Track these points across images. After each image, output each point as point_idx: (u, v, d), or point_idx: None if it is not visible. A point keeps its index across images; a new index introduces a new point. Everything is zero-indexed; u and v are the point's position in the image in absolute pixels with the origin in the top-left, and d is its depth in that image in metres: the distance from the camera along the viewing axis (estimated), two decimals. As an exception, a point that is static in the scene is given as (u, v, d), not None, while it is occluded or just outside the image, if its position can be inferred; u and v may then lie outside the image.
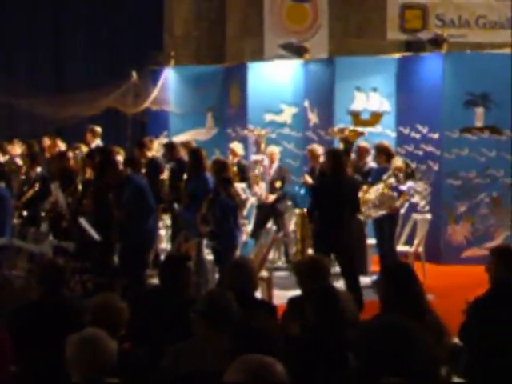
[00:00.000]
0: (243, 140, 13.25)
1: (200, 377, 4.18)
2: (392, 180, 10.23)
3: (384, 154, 10.55)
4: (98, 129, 13.69)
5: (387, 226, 10.47)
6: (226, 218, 9.48)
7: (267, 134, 12.62)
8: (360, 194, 10.31)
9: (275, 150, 11.99)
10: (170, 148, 11.88)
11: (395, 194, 10.28)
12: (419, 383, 2.94)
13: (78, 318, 4.48)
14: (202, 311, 4.66)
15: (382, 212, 10.37)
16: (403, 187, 10.39)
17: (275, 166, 11.84)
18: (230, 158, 12.11)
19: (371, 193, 10.35)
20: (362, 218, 10.55)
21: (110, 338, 3.67)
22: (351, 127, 11.70)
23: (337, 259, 9.30)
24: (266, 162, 11.87)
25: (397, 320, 3.47)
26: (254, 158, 12.20)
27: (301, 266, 5.95)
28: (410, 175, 10.52)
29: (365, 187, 10.48)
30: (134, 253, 9.06)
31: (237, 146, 12.37)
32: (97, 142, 13.52)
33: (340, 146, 11.16)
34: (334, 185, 9.23)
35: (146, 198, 9.22)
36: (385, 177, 10.28)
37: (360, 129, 11.67)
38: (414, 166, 11.10)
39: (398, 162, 10.54)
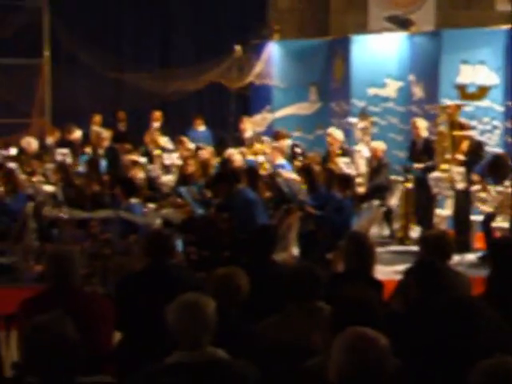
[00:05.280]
0: (345, 114, 13.16)
1: (289, 350, 4.19)
2: None
3: None
4: None
5: None
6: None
7: (369, 116, 12.45)
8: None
9: (380, 146, 11.79)
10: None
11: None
12: None
13: (183, 287, 4.51)
14: (287, 285, 4.66)
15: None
16: None
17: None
18: (329, 142, 12.00)
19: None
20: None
21: (210, 301, 3.73)
22: (452, 103, 11.38)
23: None
24: (366, 152, 11.76)
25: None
26: (356, 147, 12.10)
27: (428, 240, 5.69)
28: None
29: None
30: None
31: (335, 132, 12.20)
32: None
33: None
34: None
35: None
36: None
37: (459, 102, 11.47)
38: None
39: None
